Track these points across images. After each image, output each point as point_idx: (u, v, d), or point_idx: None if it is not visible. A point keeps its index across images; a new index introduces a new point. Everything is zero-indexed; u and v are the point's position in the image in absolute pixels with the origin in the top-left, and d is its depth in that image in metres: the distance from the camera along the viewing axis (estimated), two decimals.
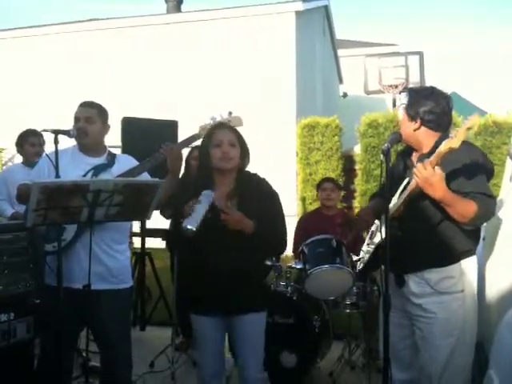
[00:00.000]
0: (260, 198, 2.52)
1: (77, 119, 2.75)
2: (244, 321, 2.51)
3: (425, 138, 2.42)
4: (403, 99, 2.46)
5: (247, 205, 2.48)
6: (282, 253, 2.90)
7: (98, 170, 2.73)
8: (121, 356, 2.78)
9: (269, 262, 3.53)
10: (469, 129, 2.10)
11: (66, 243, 2.60)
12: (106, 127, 2.84)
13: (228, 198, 2.51)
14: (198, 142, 2.77)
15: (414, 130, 2.42)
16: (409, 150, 2.55)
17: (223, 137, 2.52)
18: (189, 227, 2.27)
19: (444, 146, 2.14)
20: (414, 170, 2.23)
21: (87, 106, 2.80)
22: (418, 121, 2.40)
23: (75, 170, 2.70)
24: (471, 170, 2.29)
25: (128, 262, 2.88)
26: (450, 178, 2.24)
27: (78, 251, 2.63)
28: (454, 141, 2.10)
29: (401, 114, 2.47)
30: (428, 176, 2.17)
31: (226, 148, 2.49)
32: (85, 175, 2.69)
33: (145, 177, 2.78)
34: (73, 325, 2.68)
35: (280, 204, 2.62)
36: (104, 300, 2.65)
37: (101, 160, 2.79)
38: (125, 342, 2.82)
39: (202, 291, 2.53)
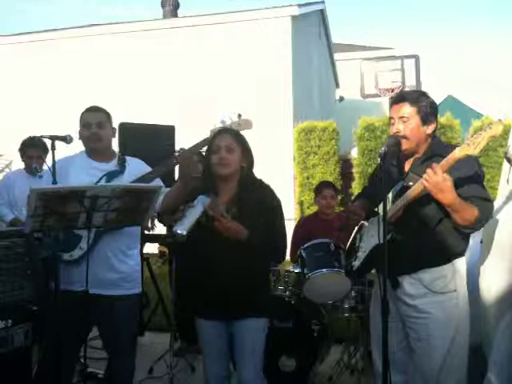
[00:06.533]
0: (259, 205, 2.49)
1: (88, 125, 2.73)
2: (242, 325, 2.50)
3: (424, 141, 2.43)
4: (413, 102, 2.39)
5: (246, 212, 2.47)
6: (281, 261, 2.87)
7: (111, 176, 2.72)
8: (128, 361, 2.78)
9: None
10: (492, 137, 2.06)
11: (83, 252, 2.60)
12: (113, 131, 2.85)
13: (228, 205, 2.50)
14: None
15: (429, 134, 2.42)
16: (400, 154, 2.53)
17: (220, 142, 2.51)
18: (178, 232, 2.26)
19: (459, 152, 2.11)
20: (424, 175, 2.20)
21: (96, 110, 2.79)
22: (433, 124, 2.40)
23: (87, 176, 2.69)
24: (470, 175, 2.29)
25: (139, 267, 2.86)
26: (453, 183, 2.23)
27: (93, 258, 2.60)
28: (471, 148, 2.07)
29: (412, 117, 2.38)
30: (439, 181, 2.14)
31: (223, 153, 2.49)
32: (98, 182, 2.68)
33: (157, 183, 2.74)
34: (81, 330, 2.68)
35: (280, 212, 2.59)
36: (117, 305, 2.65)
37: (112, 166, 2.78)
38: (133, 347, 2.82)
39: (203, 294, 2.54)
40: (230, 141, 2.52)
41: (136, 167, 2.81)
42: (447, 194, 2.17)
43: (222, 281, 2.45)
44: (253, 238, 2.43)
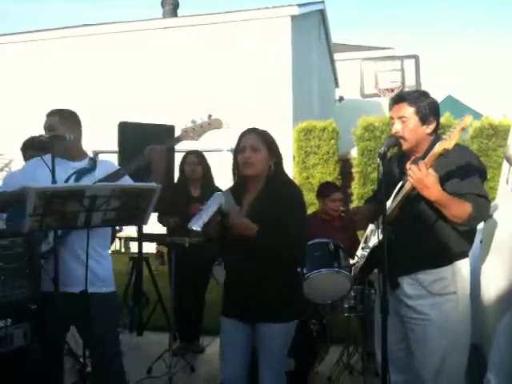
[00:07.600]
0: (279, 208, 2.43)
1: (44, 130, 2.73)
2: (260, 330, 2.47)
3: (424, 141, 2.43)
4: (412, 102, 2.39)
5: (263, 213, 2.44)
6: (296, 265, 2.68)
7: (80, 173, 2.72)
8: (112, 357, 2.75)
9: None
10: (463, 129, 2.11)
11: (50, 247, 2.59)
12: (73, 131, 2.73)
13: (250, 205, 2.52)
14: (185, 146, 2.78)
15: (429, 134, 2.41)
16: (402, 154, 2.54)
17: (245, 142, 2.51)
18: (194, 228, 2.31)
19: (438, 148, 2.16)
20: (409, 171, 2.23)
21: (49, 115, 2.77)
22: (434, 123, 2.40)
23: (58, 174, 2.62)
24: (465, 171, 2.28)
25: (111, 266, 2.85)
26: (444, 179, 2.24)
27: (61, 255, 2.57)
28: (447, 142, 2.13)
29: (411, 117, 2.38)
30: (422, 177, 2.17)
31: (247, 153, 2.48)
32: (67, 179, 2.68)
33: (126, 180, 2.72)
34: (62, 328, 2.66)
35: (299, 217, 2.49)
36: (91, 303, 2.59)
37: (83, 164, 2.78)
38: (114, 343, 2.78)
39: (227, 293, 2.59)
40: (254, 140, 2.51)
41: (107, 166, 2.81)
42: (432, 190, 2.19)
43: (239, 281, 2.49)
44: (261, 237, 2.38)
